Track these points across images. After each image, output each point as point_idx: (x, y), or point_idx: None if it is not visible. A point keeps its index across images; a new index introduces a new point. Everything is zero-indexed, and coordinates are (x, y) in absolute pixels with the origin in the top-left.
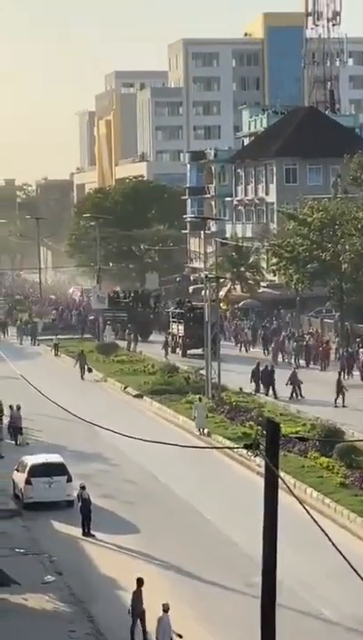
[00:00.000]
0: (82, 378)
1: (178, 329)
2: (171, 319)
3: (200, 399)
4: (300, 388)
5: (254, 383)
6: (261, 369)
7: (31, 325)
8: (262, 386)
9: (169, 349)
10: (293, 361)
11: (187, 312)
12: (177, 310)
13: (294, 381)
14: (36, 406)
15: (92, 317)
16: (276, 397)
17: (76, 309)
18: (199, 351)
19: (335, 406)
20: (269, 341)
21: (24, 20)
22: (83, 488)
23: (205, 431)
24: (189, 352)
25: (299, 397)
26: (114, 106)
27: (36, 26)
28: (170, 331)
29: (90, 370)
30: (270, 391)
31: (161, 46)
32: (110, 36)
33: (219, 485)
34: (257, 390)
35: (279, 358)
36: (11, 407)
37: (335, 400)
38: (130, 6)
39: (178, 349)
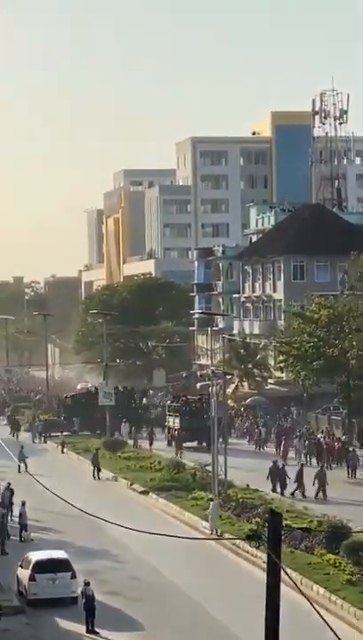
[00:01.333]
0: (94, 477)
1: (174, 422)
2: (167, 413)
3: (212, 499)
4: (325, 488)
5: (271, 482)
6: (279, 466)
7: (38, 423)
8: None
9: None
10: (303, 458)
11: (182, 406)
12: (173, 404)
13: (299, 480)
14: (41, 503)
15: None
16: (289, 495)
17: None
18: (194, 444)
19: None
20: (281, 440)
21: (35, 119)
22: (87, 584)
23: (219, 532)
24: (184, 444)
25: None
26: (122, 204)
27: (47, 124)
28: (166, 424)
29: (100, 469)
30: (284, 489)
31: (169, 144)
32: (119, 134)
33: (225, 582)
34: (274, 489)
35: (292, 455)
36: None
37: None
38: (138, 104)
39: (173, 442)
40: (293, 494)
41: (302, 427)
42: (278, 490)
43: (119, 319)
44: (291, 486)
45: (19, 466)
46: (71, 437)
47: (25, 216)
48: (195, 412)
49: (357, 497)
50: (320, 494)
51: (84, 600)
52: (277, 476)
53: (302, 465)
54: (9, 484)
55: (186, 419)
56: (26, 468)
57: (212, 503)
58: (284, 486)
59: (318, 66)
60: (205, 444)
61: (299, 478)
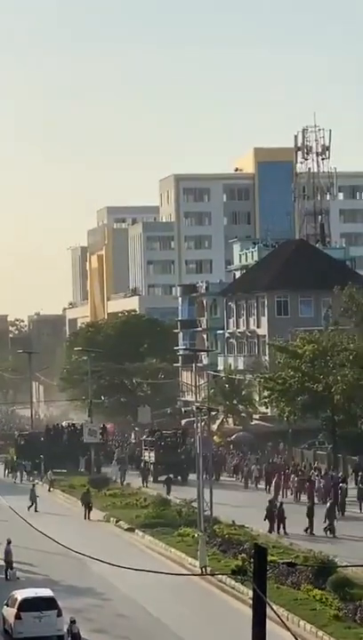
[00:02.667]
0: (86, 517)
1: (149, 456)
2: (143, 447)
3: (199, 535)
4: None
5: (268, 522)
6: (276, 504)
7: (26, 462)
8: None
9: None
10: (293, 496)
11: (157, 440)
12: (149, 439)
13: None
14: (26, 541)
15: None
16: (285, 534)
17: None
18: (170, 475)
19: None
20: (271, 476)
21: (18, 154)
22: (73, 622)
23: (209, 569)
24: (159, 478)
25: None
26: (106, 241)
27: (29, 161)
28: (142, 458)
29: (91, 509)
30: (284, 528)
31: (152, 180)
32: (102, 171)
33: (212, 619)
34: (271, 530)
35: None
36: None
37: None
38: (121, 142)
39: (150, 476)
40: (327, 530)
41: (291, 463)
42: (278, 530)
43: (104, 356)
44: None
45: (30, 506)
46: (57, 474)
47: (8, 254)
48: (170, 446)
49: (345, 532)
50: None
51: (69, 638)
52: (274, 515)
53: (312, 502)
54: None
55: (161, 453)
56: (36, 508)
57: (200, 540)
58: (284, 525)
59: (300, 102)
60: (179, 477)
61: (311, 515)
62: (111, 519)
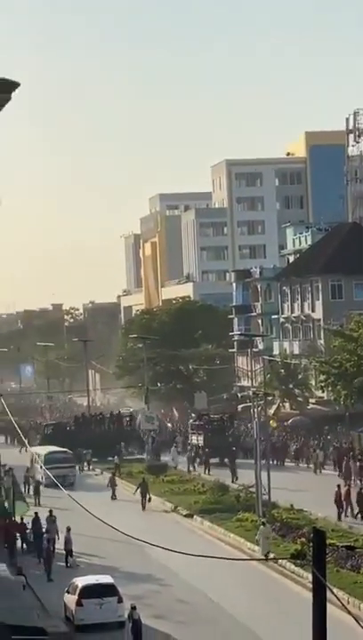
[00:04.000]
0: (143, 509)
1: (197, 440)
2: (191, 431)
3: (264, 524)
4: None
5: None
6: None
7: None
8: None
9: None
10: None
11: (206, 424)
12: (196, 422)
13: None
14: (85, 528)
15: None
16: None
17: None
18: (217, 460)
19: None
20: (341, 460)
21: (74, 146)
22: (133, 608)
23: (271, 555)
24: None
25: None
26: (159, 228)
27: (85, 152)
28: (189, 442)
29: (150, 499)
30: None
31: (204, 167)
32: (155, 159)
33: (272, 604)
34: (340, 517)
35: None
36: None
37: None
38: (173, 129)
39: (198, 459)
40: None
41: (356, 447)
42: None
43: (159, 343)
44: None
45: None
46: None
47: (63, 243)
48: (218, 429)
49: None
50: None
51: (131, 624)
52: (341, 502)
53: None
54: (50, 511)
55: (209, 436)
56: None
57: (261, 528)
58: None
59: (352, 84)
60: (227, 460)
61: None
62: (170, 505)
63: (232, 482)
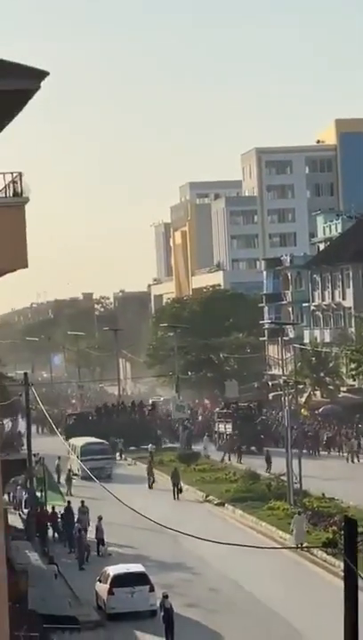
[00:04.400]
0: (175, 498)
1: (225, 428)
2: (217, 419)
3: (299, 513)
4: None
5: None
6: None
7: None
8: None
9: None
10: None
11: (234, 412)
12: (224, 411)
13: None
14: (119, 517)
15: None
16: None
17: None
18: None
19: None
20: None
21: (104, 135)
22: (165, 597)
23: (304, 545)
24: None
25: None
26: (189, 216)
27: (114, 140)
28: (216, 430)
29: (181, 489)
30: None
31: (234, 156)
32: (184, 148)
33: (304, 592)
34: None
35: None
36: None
37: None
38: (203, 118)
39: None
40: None
41: None
42: None
43: (190, 332)
44: None
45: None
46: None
47: (92, 233)
48: (245, 417)
49: None
50: None
51: (162, 613)
52: None
53: None
54: (82, 502)
55: (237, 423)
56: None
57: (295, 516)
58: None
59: None
60: (254, 448)
61: None
62: (201, 494)
63: (266, 471)
